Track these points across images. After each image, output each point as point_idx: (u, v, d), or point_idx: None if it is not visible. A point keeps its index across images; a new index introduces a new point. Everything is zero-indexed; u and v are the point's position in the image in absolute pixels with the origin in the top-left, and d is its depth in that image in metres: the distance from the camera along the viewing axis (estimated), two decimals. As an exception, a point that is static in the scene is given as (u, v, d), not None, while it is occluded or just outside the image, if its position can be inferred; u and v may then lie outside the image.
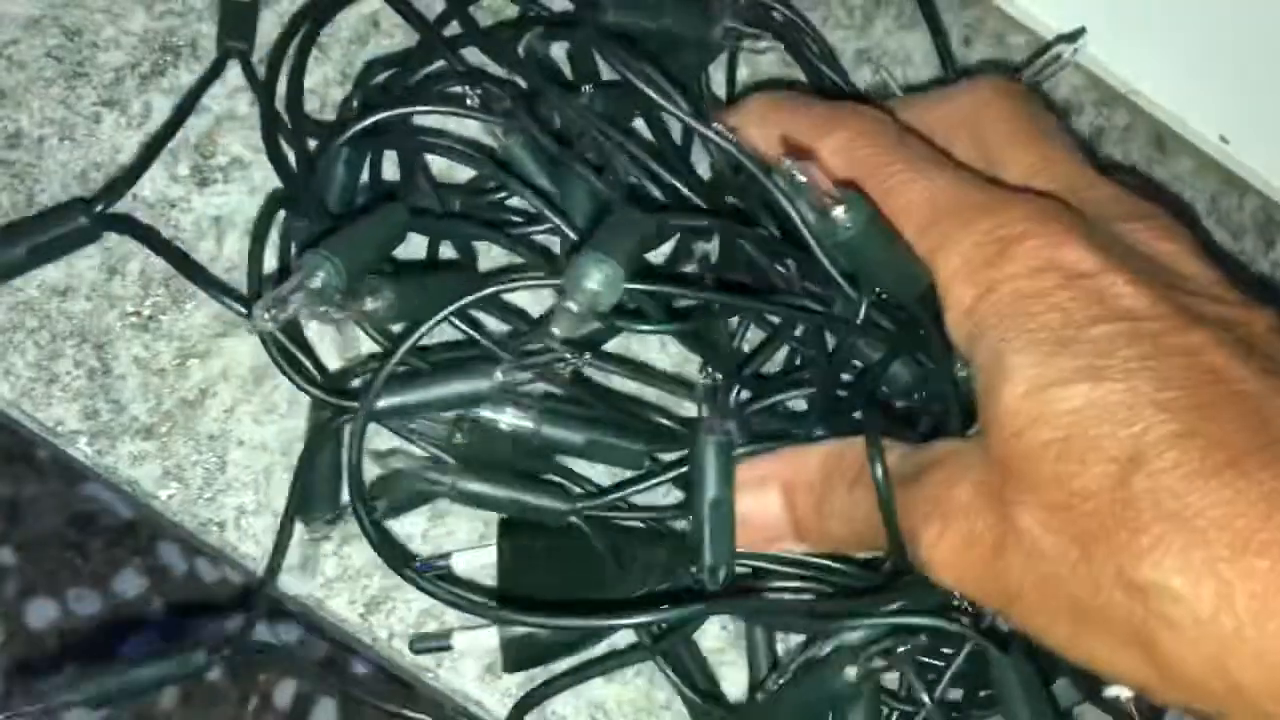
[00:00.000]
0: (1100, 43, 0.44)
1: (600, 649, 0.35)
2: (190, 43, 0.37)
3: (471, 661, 0.35)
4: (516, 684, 0.35)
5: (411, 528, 0.35)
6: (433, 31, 0.36)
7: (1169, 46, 0.44)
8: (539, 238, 0.35)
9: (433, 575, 0.33)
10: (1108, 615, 0.25)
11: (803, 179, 0.30)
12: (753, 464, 0.33)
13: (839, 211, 0.30)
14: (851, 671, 0.30)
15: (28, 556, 0.83)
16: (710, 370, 0.33)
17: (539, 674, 0.35)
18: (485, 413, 0.32)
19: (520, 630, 0.33)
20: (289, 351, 0.33)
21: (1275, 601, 0.23)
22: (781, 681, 0.33)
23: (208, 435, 0.35)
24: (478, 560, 0.34)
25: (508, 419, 0.32)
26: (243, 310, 0.34)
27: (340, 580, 0.35)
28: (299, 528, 0.34)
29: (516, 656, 0.34)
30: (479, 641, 0.34)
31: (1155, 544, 0.24)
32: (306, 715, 0.83)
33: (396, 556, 0.33)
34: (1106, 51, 0.44)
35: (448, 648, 0.34)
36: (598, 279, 0.29)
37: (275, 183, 0.36)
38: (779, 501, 0.32)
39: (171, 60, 0.37)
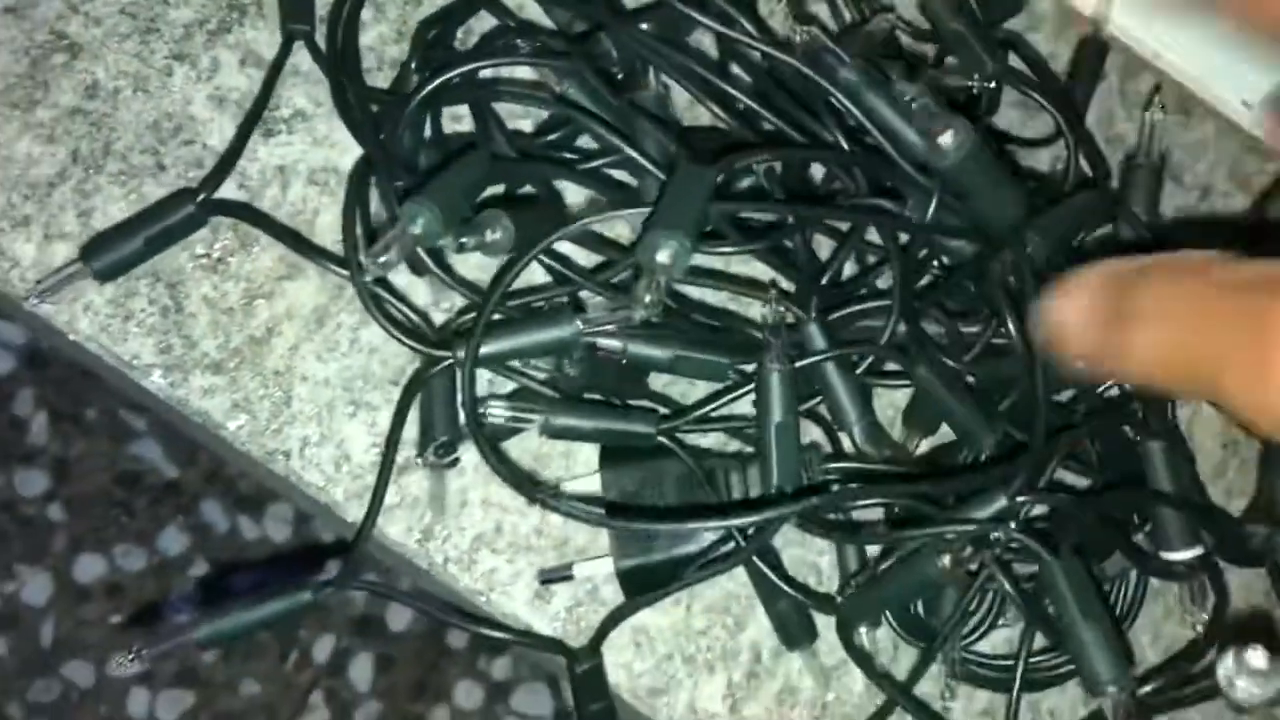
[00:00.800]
0: (1128, 12, 0.45)
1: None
2: (255, 1, 0.39)
3: (522, 586, 0.37)
4: (564, 607, 0.37)
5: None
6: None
7: (1193, 16, 0.46)
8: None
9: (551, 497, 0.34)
10: None
11: (919, 100, 0.32)
12: (1082, 274, 0.28)
13: (946, 137, 0.32)
14: (945, 559, 0.32)
15: (75, 513, 0.86)
16: (775, 298, 0.35)
17: (585, 600, 0.37)
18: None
19: (634, 560, 0.35)
20: (384, 306, 0.35)
21: None
22: (878, 570, 0.35)
23: (273, 371, 0.37)
24: (586, 487, 0.36)
25: (600, 342, 0.34)
26: (346, 274, 0.36)
27: (399, 508, 0.37)
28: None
29: (632, 583, 0.36)
30: (598, 569, 0.36)
31: None
32: (345, 668, 0.86)
33: (523, 482, 0.35)
34: (1134, 20, 0.46)
35: (570, 577, 0.36)
36: (667, 254, 0.31)
37: (338, 134, 0.38)
38: (1090, 301, 0.28)
39: (237, 17, 0.39)
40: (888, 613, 0.37)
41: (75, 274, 0.35)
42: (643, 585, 0.36)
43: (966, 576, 0.34)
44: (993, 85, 0.39)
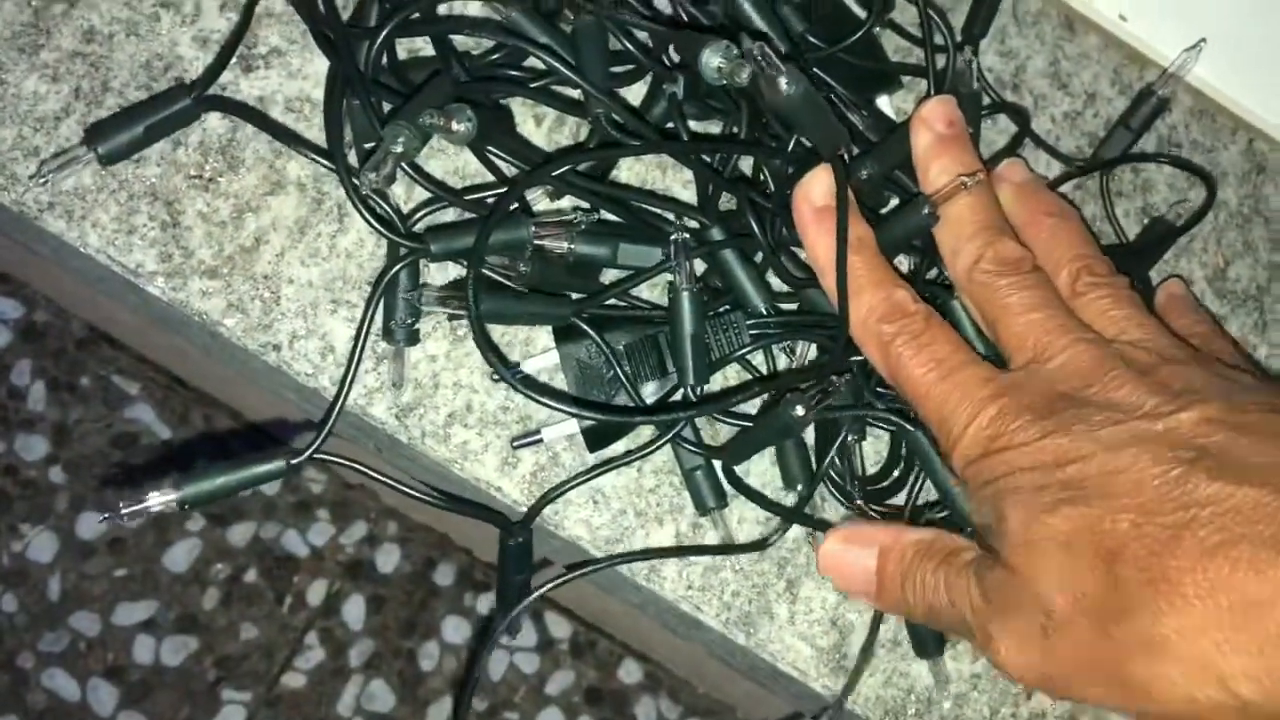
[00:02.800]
0: (1014, -64, 0.51)
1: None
2: (230, -47, 0.44)
3: (491, 455, 0.42)
4: (529, 472, 0.42)
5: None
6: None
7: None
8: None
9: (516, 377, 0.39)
10: (1125, 674, 0.32)
11: (756, 54, 0.37)
12: (862, 528, 0.40)
13: (782, 81, 0.37)
14: (799, 407, 0.37)
15: (75, 474, 0.90)
16: (679, 226, 0.40)
17: (547, 465, 0.42)
18: (534, 241, 0.39)
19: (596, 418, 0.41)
20: (374, 208, 0.40)
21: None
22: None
23: (263, 275, 0.42)
24: (545, 363, 0.42)
25: (549, 243, 0.39)
26: (329, 165, 0.41)
27: (378, 392, 0.42)
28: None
29: (594, 440, 0.41)
30: (562, 430, 0.41)
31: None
32: (338, 609, 0.91)
33: (503, 364, 0.40)
34: (1020, -56, 0.51)
35: (540, 440, 0.41)
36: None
37: (310, 67, 0.43)
38: (872, 563, 0.39)
39: (216, -33, 0.44)
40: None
41: (79, 155, 0.40)
42: (601, 439, 0.41)
43: (820, 419, 0.40)
44: None
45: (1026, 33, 0.52)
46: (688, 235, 0.41)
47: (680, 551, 0.43)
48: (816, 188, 0.40)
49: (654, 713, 0.92)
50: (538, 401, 0.39)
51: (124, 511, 0.37)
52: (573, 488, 0.42)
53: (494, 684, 0.94)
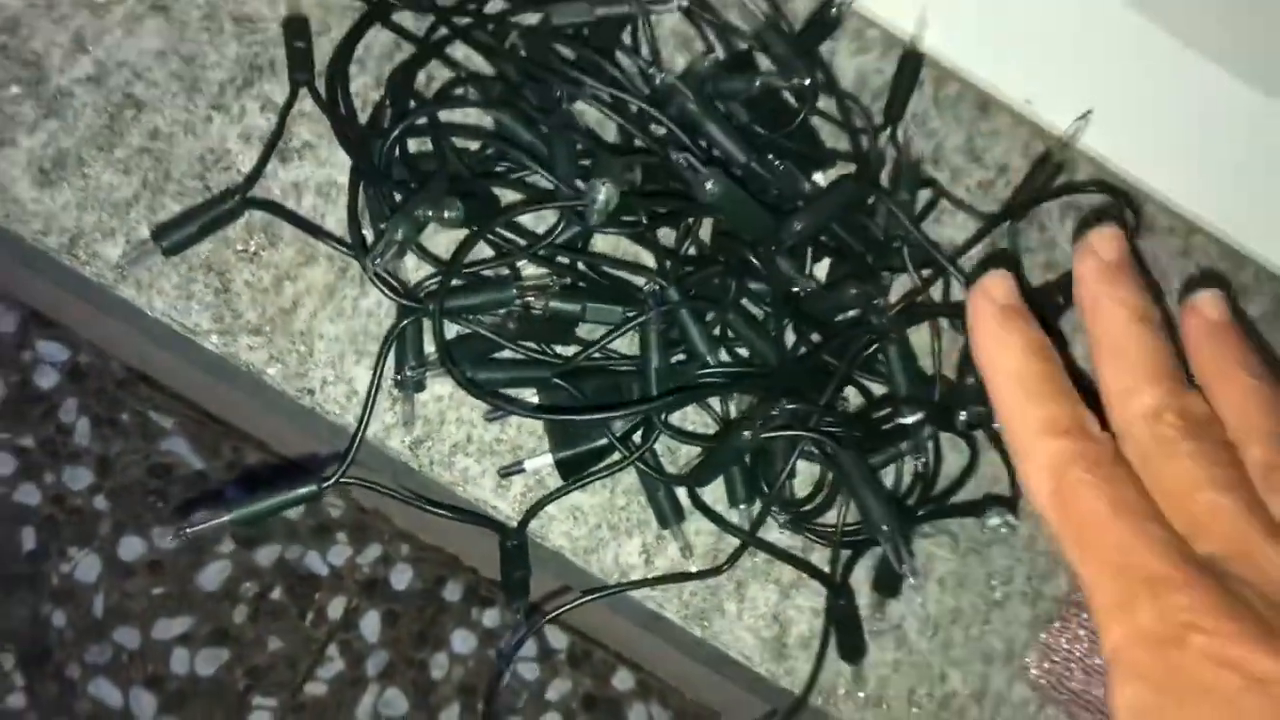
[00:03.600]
0: (937, 35, 0.60)
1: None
2: (269, 63, 0.53)
3: (488, 479, 0.51)
4: (519, 493, 0.51)
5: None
6: (427, 43, 0.52)
7: (986, 33, 0.60)
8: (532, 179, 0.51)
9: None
10: None
11: (682, 162, 0.46)
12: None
13: (709, 184, 0.46)
14: (746, 434, 0.46)
15: (117, 502, 0.99)
16: (652, 278, 0.49)
17: (535, 487, 0.51)
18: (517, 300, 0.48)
19: (565, 452, 0.49)
20: (384, 280, 0.48)
21: None
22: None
23: (299, 331, 0.51)
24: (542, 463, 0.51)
25: (531, 300, 0.48)
26: (351, 254, 0.50)
27: (394, 427, 0.50)
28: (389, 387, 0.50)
29: (566, 468, 0.50)
30: (540, 462, 0.50)
31: None
32: (356, 624, 0.99)
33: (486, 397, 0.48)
34: (940, 40, 0.60)
35: (522, 470, 0.50)
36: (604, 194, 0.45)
37: (335, 157, 0.52)
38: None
39: (258, 75, 0.53)
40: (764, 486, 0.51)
41: (148, 249, 0.49)
42: (573, 469, 0.50)
43: (767, 443, 0.48)
44: (808, 84, 0.53)
45: (945, 114, 0.61)
46: (660, 286, 0.49)
47: (662, 580, 0.51)
48: (995, 288, 0.38)
49: (645, 717, 1.00)
50: (526, 415, 0.48)
51: (188, 531, 0.46)
52: (552, 501, 0.50)
53: (499, 691, 1.02)
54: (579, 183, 0.48)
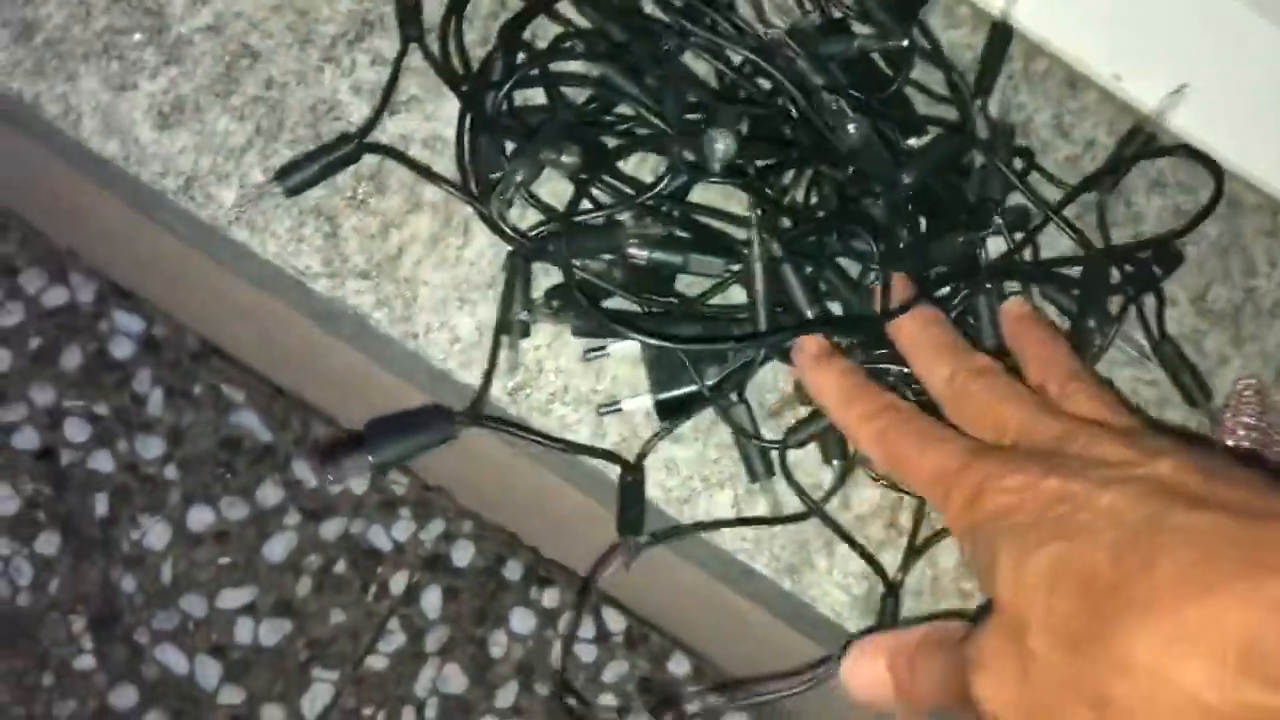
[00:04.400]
0: (1026, 9, 0.60)
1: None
2: (379, 19, 0.54)
3: (584, 427, 0.52)
4: (613, 442, 0.52)
5: (541, 340, 0.52)
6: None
7: (1074, 6, 0.61)
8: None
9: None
10: (1102, 696, 0.34)
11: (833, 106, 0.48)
12: (871, 639, 0.45)
13: (851, 126, 0.48)
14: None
15: (187, 472, 1.01)
16: (757, 217, 0.50)
17: (629, 436, 0.52)
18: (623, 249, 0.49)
19: (665, 393, 0.50)
20: (494, 222, 0.50)
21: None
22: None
23: (404, 278, 0.52)
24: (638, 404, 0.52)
25: (631, 250, 0.49)
26: (465, 198, 0.51)
27: (495, 376, 0.51)
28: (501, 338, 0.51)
29: (664, 409, 0.51)
30: (639, 403, 0.51)
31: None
32: (417, 599, 1.00)
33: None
34: (1031, 14, 0.61)
35: (619, 409, 0.51)
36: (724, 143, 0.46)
37: (441, 111, 0.53)
38: (884, 669, 0.43)
39: (368, 30, 0.54)
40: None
41: (269, 189, 0.50)
42: (671, 411, 0.50)
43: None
44: (906, 45, 0.54)
45: (1034, 89, 0.61)
46: (761, 211, 0.50)
47: (745, 522, 0.52)
48: (809, 345, 0.49)
49: (699, 701, 1.00)
50: (626, 335, 0.48)
51: (331, 475, 0.47)
52: (665, 436, 0.51)
53: (556, 671, 1.03)
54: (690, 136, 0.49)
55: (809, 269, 0.51)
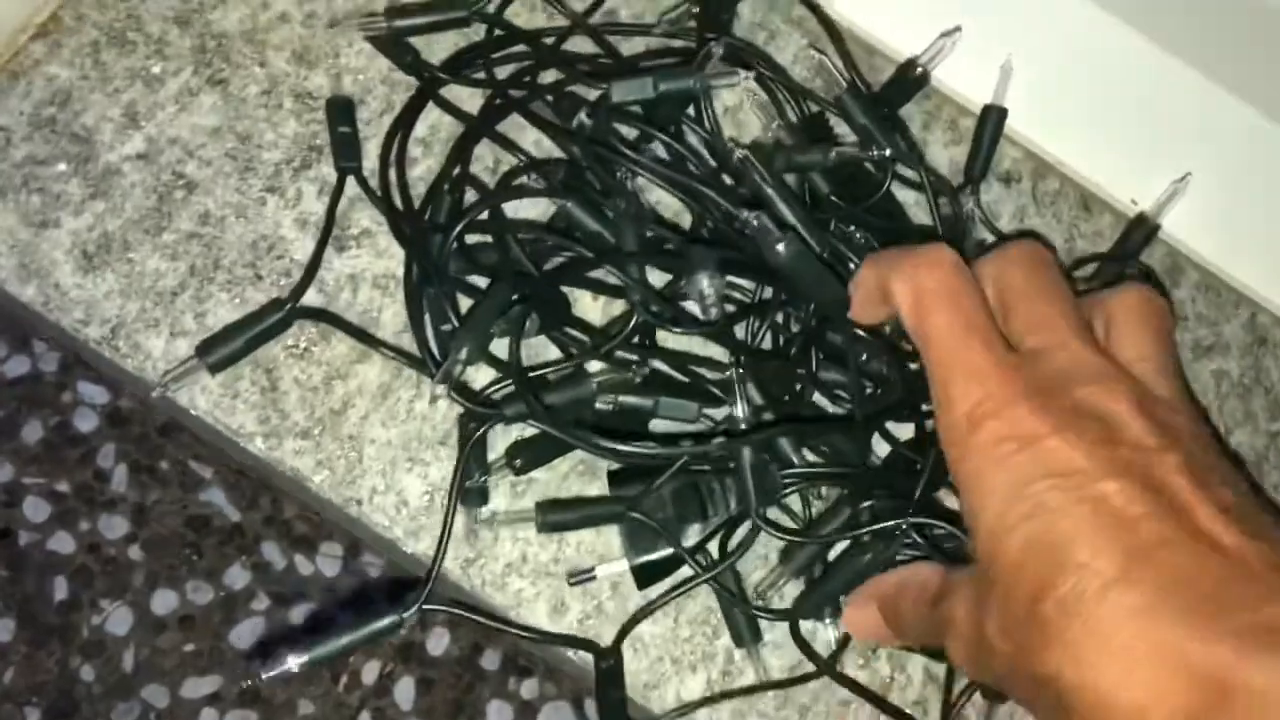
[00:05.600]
0: (1033, 124, 0.56)
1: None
2: (327, 144, 0.50)
3: (542, 603, 0.47)
4: (576, 619, 0.47)
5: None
6: (484, 125, 0.49)
7: (1088, 127, 0.56)
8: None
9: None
10: (1037, 691, 0.35)
11: (754, 223, 0.43)
12: (864, 587, 0.45)
13: (779, 246, 0.43)
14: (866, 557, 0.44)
15: (152, 553, 0.96)
16: (736, 361, 0.46)
17: (593, 614, 0.47)
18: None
19: (642, 558, 0.46)
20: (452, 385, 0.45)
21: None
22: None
23: (348, 435, 0.47)
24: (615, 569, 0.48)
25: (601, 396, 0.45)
26: (411, 367, 0.47)
27: (448, 544, 0.47)
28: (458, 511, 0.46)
29: (642, 575, 0.47)
30: (613, 569, 0.47)
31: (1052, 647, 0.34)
32: (390, 690, 0.96)
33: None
34: (1039, 131, 0.56)
35: (593, 578, 0.46)
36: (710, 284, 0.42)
37: (394, 248, 0.49)
38: (876, 611, 0.44)
39: (315, 157, 0.50)
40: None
41: (193, 367, 0.46)
42: (649, 578, 0.46)
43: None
44: (888, 155, 0.50)
45: (1044, 212, 0.56)
46: (741, 370, 0.46)
47: (765, 688, 0.47)
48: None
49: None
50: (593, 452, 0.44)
51: (264, 675, 0.42)
52: (649, 615, 0.46)
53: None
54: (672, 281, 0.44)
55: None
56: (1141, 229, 0.54)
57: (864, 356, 0.48)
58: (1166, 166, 0.54)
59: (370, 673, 1.01)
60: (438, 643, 1.04)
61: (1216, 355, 0.56)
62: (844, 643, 0.48)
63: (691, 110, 0.50)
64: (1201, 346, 0.56)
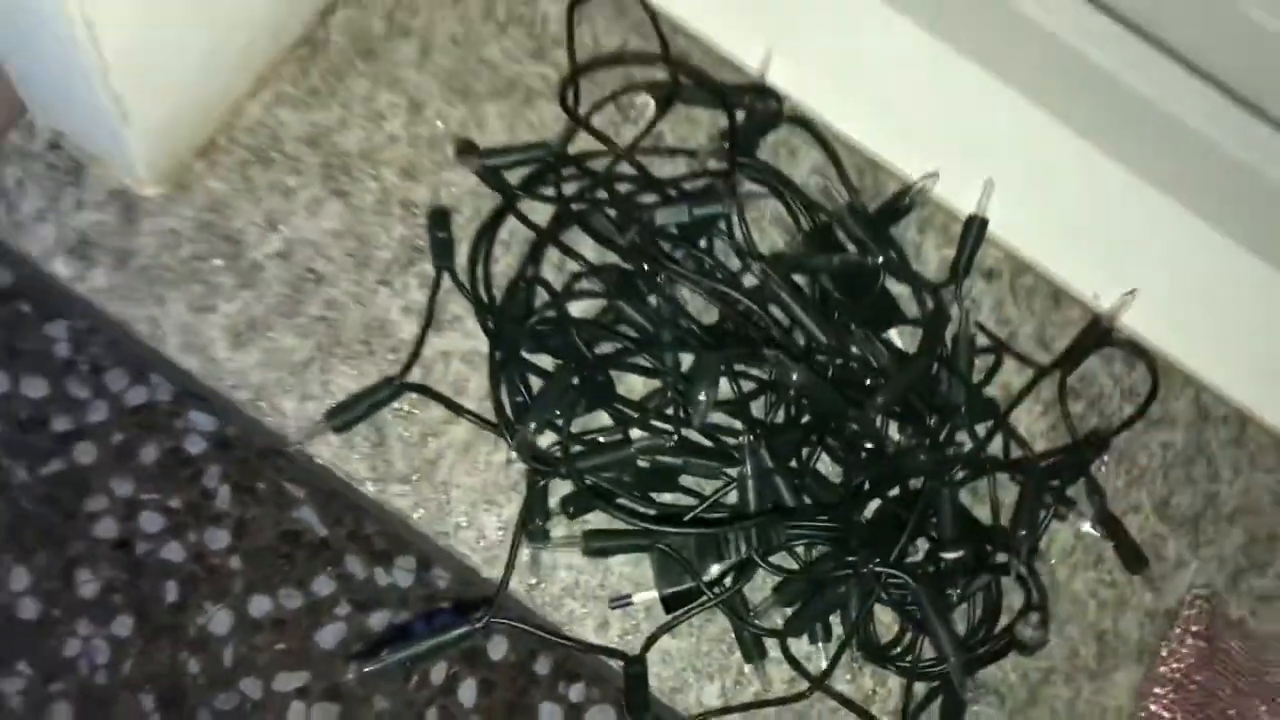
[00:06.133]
0: (1014, 229, 0.66)
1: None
2: (428, 245, 0.62)
3: (590, 621, 0.59)
4: (617, 635, 0.59)
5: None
6: (552, 235, 0.61)
7: (1059, 234, 0.66)
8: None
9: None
10: None
11: (771, 358, 0.54)
12: None
13: (795, 376, 0.54)
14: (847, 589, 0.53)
15: (250, 563, 1.09)
16: (749, 431, 0.57)
17: (630, 631, 0.59)
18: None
19: (670, 589, 0.57)
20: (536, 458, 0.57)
21: None
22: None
23: (440, 481, 0.59)
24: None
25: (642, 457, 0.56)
26: (490, 430, 0.59)
27: (514, 571, 0.59)
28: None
29: (670, 603, 0.58)
30: (646, 597, 0.58)
31: None
32: (455, 690, 1.08)
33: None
34: (1018, 236, 0.67)
35: (631, 603, 0.58)
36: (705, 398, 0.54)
37: (480, 331, 0.60)
38: None
39: (419, 255, 0.62)
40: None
41: (321, 428, 0.58)
42: (676, 604, 0.57)
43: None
44: (881, 262, 0.61)
45: (1020, 304, 0.67)
46: (753, 439, 0.57)
47: (746, 707, 0.58)
48: None
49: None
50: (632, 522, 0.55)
51: (365, 669, 0.54)
52: (668, 630, 0.58)
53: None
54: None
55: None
56: (1095, 331, 0.64)
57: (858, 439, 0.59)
58: (1123, 267, 0.65)
59: (438, 674, 1.12)
60: (497, 649, 1.16)
61: (1164, 428, 0.66)
62: (835, 661, 0.59)
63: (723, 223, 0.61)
64: (1151, 419, 0.66)
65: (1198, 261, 0.66)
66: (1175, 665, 0.61)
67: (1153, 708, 0.60)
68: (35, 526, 1.10)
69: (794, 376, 0.55)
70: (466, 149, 0.62)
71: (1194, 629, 0.62)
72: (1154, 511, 0.65)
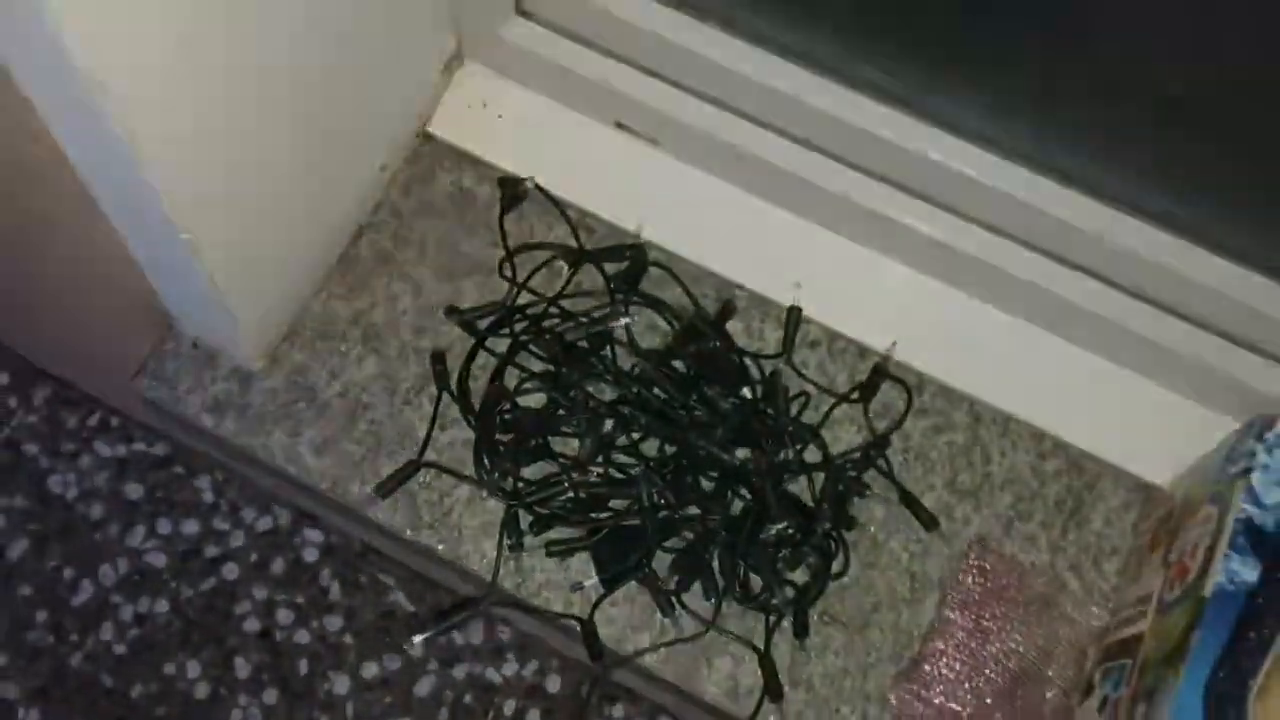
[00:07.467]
0: (823, 310, 0.98)
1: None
2: (432, 375, 0.96)
3: (559, 603, 0.90)
4: (578, 608, 0.90)
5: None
6: (508, 360, 0.94)
7: (855, 310, 0.98)
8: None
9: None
10: None
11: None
12: None
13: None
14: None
15: (359, 639, 1.42)
16: (644, 463, 0.89)
17: (582, 602, 0.90)
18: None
19: (606, 575, 0.89)
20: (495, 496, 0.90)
21: None
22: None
23: (453, 524, 0.92)
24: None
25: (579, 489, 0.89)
26: (480, 486, 0.91)
27: (505, 574, 0.90)
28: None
29: (607, 584, 0.89)
30: (593, 581, 0.90)
31: None
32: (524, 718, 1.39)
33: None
34: (823, 314, 0.98)
35: (583, 586, 0.90)
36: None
37: (466, 426, 0.94)
38: None
39: (428, 382, 0.95)
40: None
41: (373, 498, 0.91)
42: (612, 585, 0.88)
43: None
44: (715, 345, 0.93)
45: (836, 360, 0.98)
46: (646, 469, 0.89)
47: (659, 646, 0.89)
48: None
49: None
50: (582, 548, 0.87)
51: (415, 640, 0.87)
52: (603, 600, 0.89)
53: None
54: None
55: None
56: (880, 370, 0.95)
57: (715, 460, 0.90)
58: (904, 328, 0.96)
59: (509, 708, 1.45)
60: (553, 683, 1.48)
61: (948, 431, 0.96)
62: (718, 608, 0.88)
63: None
64: (938, 425, 0.96)
65: (955, 316, 0.97)
66: (965, 588, 0.90)
67: (948, 614, 0.88)
68: (200, 629, 1.48)
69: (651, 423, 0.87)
70: (452, 310, 0.96)
71: (975, 563, 0.90)
72: (945, 488, 0.94)
